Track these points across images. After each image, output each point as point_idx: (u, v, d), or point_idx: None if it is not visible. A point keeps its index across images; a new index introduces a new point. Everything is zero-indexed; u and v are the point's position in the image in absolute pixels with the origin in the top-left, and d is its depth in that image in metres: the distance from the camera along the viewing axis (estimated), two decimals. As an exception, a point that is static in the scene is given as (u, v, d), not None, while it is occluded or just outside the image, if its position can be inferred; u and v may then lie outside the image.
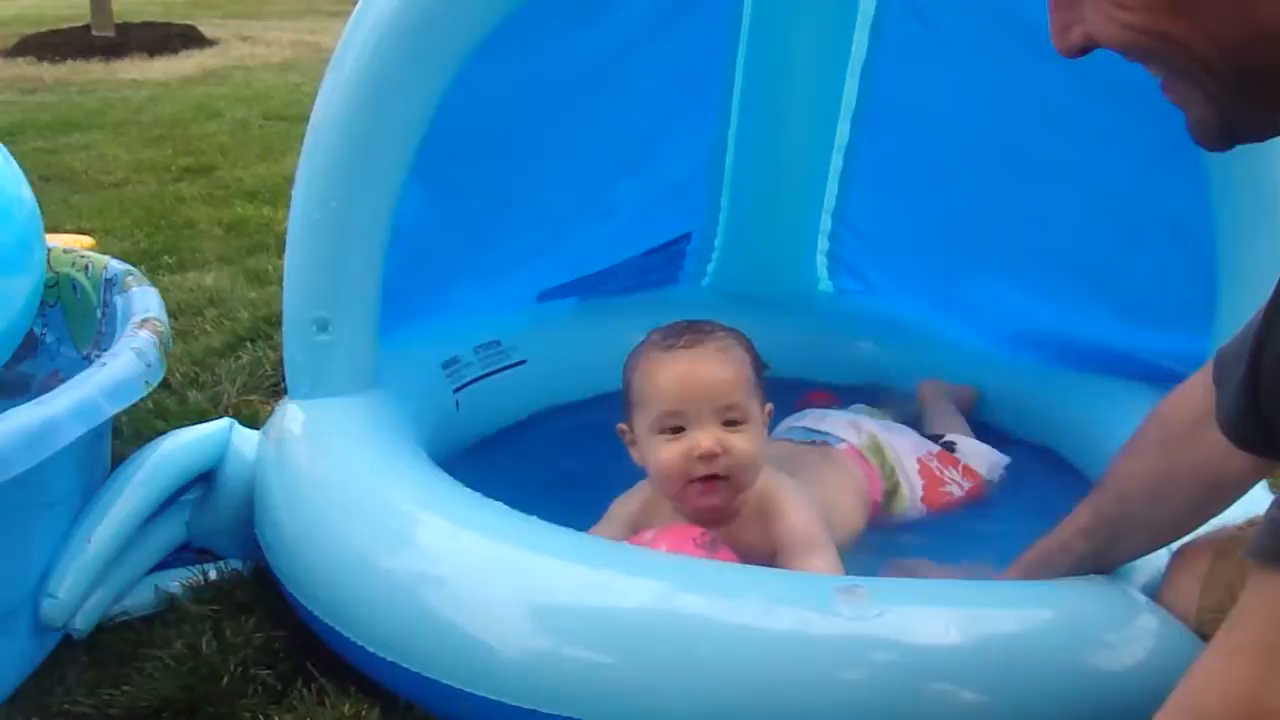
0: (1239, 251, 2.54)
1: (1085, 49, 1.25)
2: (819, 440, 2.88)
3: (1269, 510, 1.16)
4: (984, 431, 3.17)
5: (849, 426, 2.92)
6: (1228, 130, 1.22)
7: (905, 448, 2.93)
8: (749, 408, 2.39)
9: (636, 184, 3.44)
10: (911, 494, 2.84)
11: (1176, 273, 2.83)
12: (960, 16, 3.01)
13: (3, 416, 2.07)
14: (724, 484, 2.37)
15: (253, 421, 2.87)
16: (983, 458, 3.00)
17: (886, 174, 3.51)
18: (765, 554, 2.37)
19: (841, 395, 3.33)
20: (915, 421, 3.15)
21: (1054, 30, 1.26)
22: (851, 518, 2.72)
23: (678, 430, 2.37)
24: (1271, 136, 1.24)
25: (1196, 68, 1.16)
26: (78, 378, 2.28)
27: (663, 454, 2.38)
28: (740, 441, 2.36)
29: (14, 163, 2.81)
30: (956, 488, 2.90)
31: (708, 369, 2.37)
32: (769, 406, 2.48)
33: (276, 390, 3.38)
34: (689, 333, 2.44)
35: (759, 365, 2.48)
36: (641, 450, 2.45)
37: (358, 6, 2.51)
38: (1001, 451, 3.04)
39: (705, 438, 2.34)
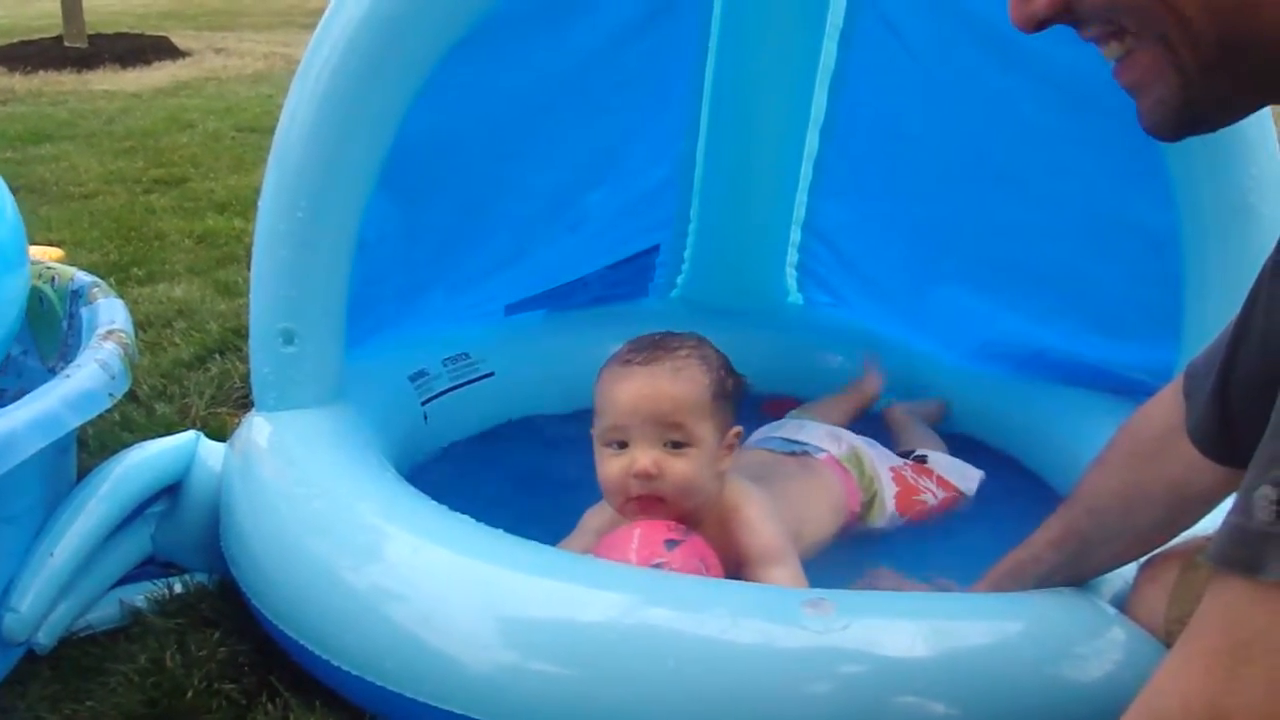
0: (1206, 263, 2.55)
1: (1046, 22, 1.25)
2: (799, 451, 2.88)
3: (1228, 516, 1.16)
4: (953, 442, 3.18)
5: (829, 437, 2.92)
6: (1186, 113, 1.23)
7: (879, 457, 2.94)
8: (697, 431, 2.35)
9: (605, 195, 3.44)
10: (887, 504, 2.84)
11: (1145, 284, 2.84)
12: (930, 27, 3.02)
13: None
14: (660, 505, 2.35)
15: (221, 434, 2.86)
16: (956, 471, 3.00)
17: (856, 185, 3.52)
18: (730, 564, 2.36)
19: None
20: (878, 437, 3.15)
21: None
22: (824, 528, 2.72)
23: (623, 445, 2.37)
24: (1223, 126, 1.25)
25: (1178, 32, 1.17)
26: (39, 390, 2.27)
27: (606, 467, 2.39)
28: (679, 466, 2.34)
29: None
30: (931, 496, 2.91)
31: (656, 388, 2.35)
32: (735, 430, 2.45)
33: (245, 403, 3.36)
34: (653, 348, 2.42)
35: (726, 388, 2.43)
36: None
37: (325, 16, 2.49)
38: (972, 464, 3.03)
39: (643, 457, 2.33)
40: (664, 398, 2.34)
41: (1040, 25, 1.26)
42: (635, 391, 2.35)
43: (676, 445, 2.34)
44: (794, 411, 3.21)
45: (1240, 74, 1.18)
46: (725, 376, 2.44)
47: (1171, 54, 1.19)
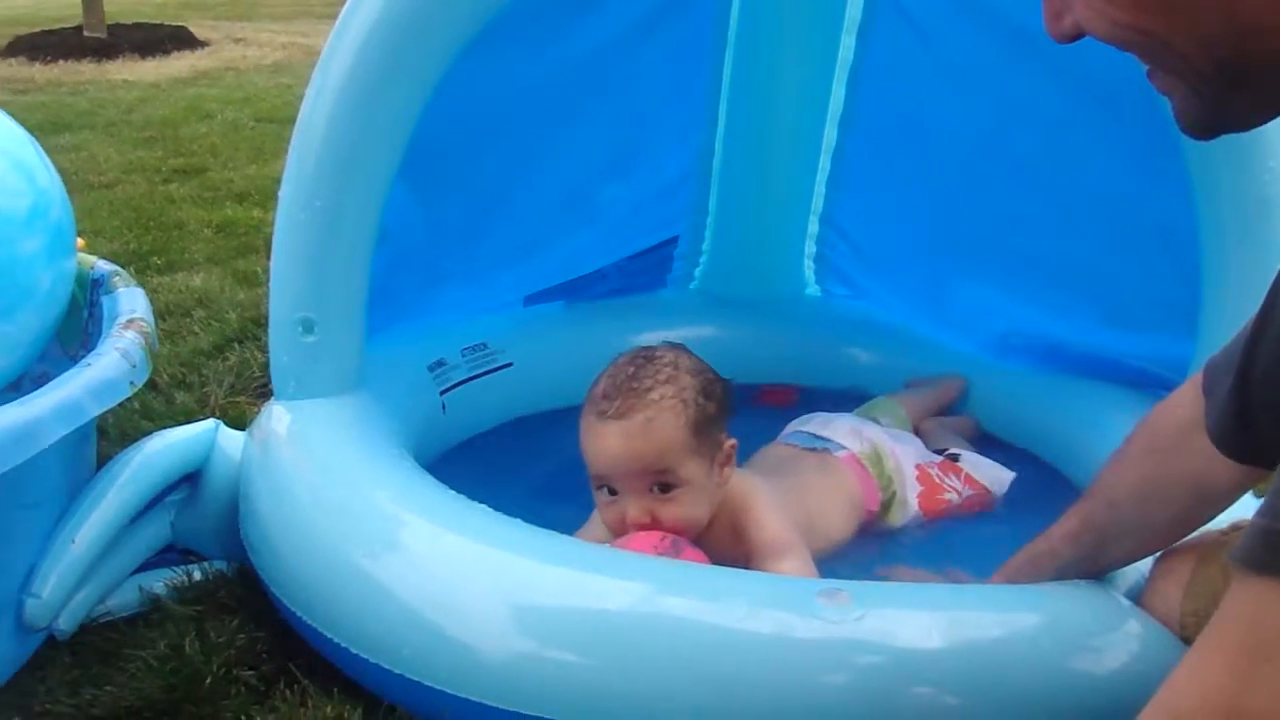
0: (1224, 258, 2.53)
1: (1076, 36, 1.25)
2: (820, 447, 2.86)
3: (1254, 518, 1.16)
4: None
5: (851, 434, 2.90)
6: (1210, 121, 1.23)
7: (906, 454, 2.91)
8: (683, 472, 2.32)
9: (624, 187, 3.44)
10: (909, 503, 2.83)
11: (1163, 278, 2.83)
12: (948, 20, 3.02)
13: (-15, 417, 2.06)
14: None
15: (240, 423, 2.87)
16: (988, 471, 2.98)
17: (874, 178, 3.51)
18: (739, 559, 2.36)
19: (829, 399, 3.31)
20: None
21: (1046, 15, 1.27)
22: (838, 526, 2.71)
23: (613, 491, 2.35)
24: (1253, 128, 1.25)
25: (1180, 64, 1.18)
26: (61, 378, 2.27)
27: (602, 510, 2.39)
28: (671, 510, 2.32)
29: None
30: (955, 494, 2.88)
31: (631, 444, 2.31)
32: (730, 444, 2.43)
33: (264, 391, 3.37)
34: (625, 394, 2.34)
35: (707, 414, 2.38)
36: None
37: (345, 7, 2.50)
38: (989, 457, 3.02)
39: (633, 508, 2.32)
40: (642, 453, 2.31)
41: (1071, 39, 1.26)
42: (612, 448, 2.32)
43: (666, 487, 2.33)
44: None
45: (1252, 93, 1.18)
46: (705, 403, 2.38)
47: (1183, 79, 1.19)
